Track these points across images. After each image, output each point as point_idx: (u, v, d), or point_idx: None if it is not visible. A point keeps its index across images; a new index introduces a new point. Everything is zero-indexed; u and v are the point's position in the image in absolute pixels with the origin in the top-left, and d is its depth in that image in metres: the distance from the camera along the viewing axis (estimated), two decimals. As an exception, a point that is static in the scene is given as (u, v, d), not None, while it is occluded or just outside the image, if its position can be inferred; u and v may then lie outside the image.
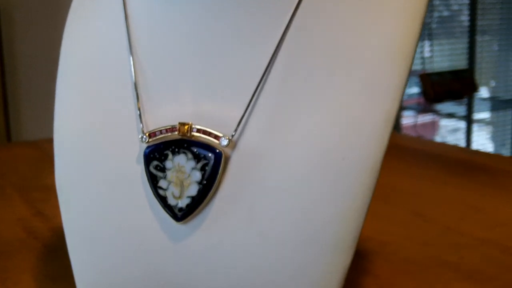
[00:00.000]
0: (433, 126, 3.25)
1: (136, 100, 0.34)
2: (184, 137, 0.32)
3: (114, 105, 0.34)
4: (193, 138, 0.32)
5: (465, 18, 3.08)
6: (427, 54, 2.99)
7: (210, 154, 0.31)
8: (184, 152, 0.31)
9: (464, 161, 0.79)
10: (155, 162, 0.32)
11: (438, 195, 0.64)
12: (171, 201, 0.32)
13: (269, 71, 0.32)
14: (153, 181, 0.32)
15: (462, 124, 3.13)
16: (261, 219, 0.31)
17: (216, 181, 0.31)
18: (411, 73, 0.32)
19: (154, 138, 0.32)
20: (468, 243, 0.50)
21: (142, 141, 0.32)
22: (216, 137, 0.31)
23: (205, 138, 0.31)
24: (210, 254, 0.32)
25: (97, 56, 0.36)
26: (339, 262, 0.31)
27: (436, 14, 3.08)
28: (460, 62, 3.04)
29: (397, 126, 2.73)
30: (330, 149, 0.30)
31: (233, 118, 0.32)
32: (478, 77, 3.00)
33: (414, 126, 2.97)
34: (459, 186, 0.67)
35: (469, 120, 3.07)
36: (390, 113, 0.31)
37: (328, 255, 0.31)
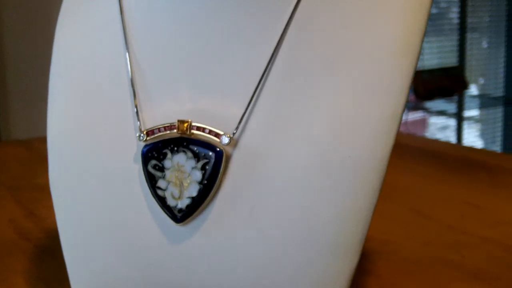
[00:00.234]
0: (423, 123, 3.26)
1: (133, 97, 0.33)
2: (184, 135, 0.31)
3: (110, 102, 0.33)
4: (192, 136, 0.31)
5: (453, 15, 3.09)
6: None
7: (210, 153, 0.30)
8: (183, 151, 0.30)
9: (462, 158, 0.79)
10: (153, 162, 0.31)
11: (438, 193, 0.64)
12: (171, 201, 0.31)
13: (270, 68, 0.31)
14: (152, 181, 0.31)
15: (452, 122, 3.14)
16: (262, 219, 0.30)
17: (217, 181, 0.30)
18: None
19: (152, 137, 0.31)
20: (470, 242, 0.49)
21: (140, 140, 0.31)
22: (217, 135, 0.30)
23: (205, 136, 0.31)
24: (210, 255, 0.31)
25: (91, 53, 0.35)
26: (343, 263, 0.30)
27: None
28: (449, 60, 3.05)
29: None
30: (333, 148, 0.30)
31: (233, 116, 0.31)
32: (468, 74, 3.01)
33: (405, 123, 2.98)
34: (459, 184, 0.66)
35: (459, 117, 3.08)
36: (396, 111, 0.30)
37: (331, 255, 0.30)
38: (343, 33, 0.31)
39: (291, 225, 0.30)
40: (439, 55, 3.07)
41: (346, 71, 0.30)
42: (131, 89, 0.33)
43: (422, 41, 0.31)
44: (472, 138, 3.22)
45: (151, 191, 0.31)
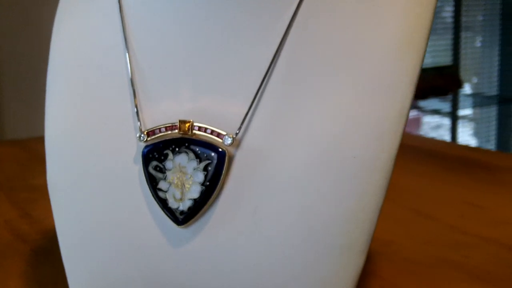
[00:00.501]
0: (417, 122, 3.27)
1: (133, 97, 0.32)
2: (185, 136, 0.30)
3: (109, 102, 0.33)
4: (194, 137, 0.30)
5: (447, 14, 3.09)
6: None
7: (213, 154, 0.30)
8: (185, 152, 0.30)
9: (462, 158, 0.78)
10: (154, 163, 0.30)
11: (438, 193, 0.63)
12: (172, 203, 0.30)
13: (272, 68, 0.31)
14: (152, 182, 0.30)
15: (446, 121, 3.15)
16: (265, 220, 0.30)
17: (220, 182, 0.30)
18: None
19: (153, 137, 0.31)
20: (471, 242, 0.49)
21: (140, 140, 0.31)
22: (219, 135, 0.30)
23: (207, 137, 0.30)
24: (211, 257, 0.31)
25: (90, 52, 0.34)
26: (347, 264, 0.30)
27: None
28: (443, 59, 3.06)
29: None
30: (336, 148, 0.29)
31: (234, 116, 0.30)
32: (462, 73, 3.02)
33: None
34: (459, 184, 0.66)
35: (453, 116, 3.09)
36: (401, 109, 0.30)
37: (334, 256, 0.30)
38: (345, 33, 0.31)
39: (294, 226, 0.29)
40: (433, 54, 3.07)
41: (348, 70, 0.30)
42: (131, 89, 0.32)
43: (428, 38, 0.31)
44: (466, 136, 3.22)
45: (151, 193, 0.30)
